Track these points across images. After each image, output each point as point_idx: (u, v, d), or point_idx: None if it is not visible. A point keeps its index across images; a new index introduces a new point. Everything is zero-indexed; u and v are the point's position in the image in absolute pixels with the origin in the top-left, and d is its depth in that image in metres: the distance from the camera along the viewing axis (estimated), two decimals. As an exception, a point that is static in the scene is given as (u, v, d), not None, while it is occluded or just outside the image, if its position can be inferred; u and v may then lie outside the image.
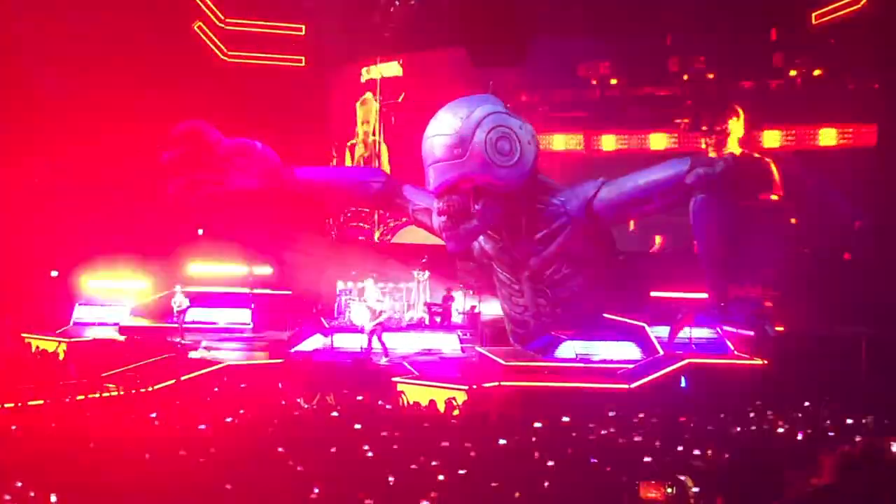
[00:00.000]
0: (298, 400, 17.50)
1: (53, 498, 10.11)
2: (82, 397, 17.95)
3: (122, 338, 25.71)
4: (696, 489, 9.76)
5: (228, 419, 15.15)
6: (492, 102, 22.89)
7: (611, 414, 16.53)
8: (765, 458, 12.23)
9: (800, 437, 14.06)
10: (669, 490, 9.59)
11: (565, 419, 15.88)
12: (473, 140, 21.86)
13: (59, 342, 24.66)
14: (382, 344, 23.29)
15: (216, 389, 19.54)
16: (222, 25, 29.63)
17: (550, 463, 11.66)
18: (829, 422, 15.57)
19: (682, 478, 9.90)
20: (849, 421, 15.21)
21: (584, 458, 12.55)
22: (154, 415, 15.77)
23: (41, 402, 17.34)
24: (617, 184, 22.85)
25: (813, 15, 24.82)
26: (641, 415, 16.42)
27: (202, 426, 14.30)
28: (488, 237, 23.95)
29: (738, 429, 15.43)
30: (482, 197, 22.09)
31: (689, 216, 22.28)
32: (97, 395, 18.10)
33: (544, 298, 23.94)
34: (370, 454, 12.75)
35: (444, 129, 22.36)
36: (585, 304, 23.44)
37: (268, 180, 24.38)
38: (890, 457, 7.39)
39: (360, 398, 18.13)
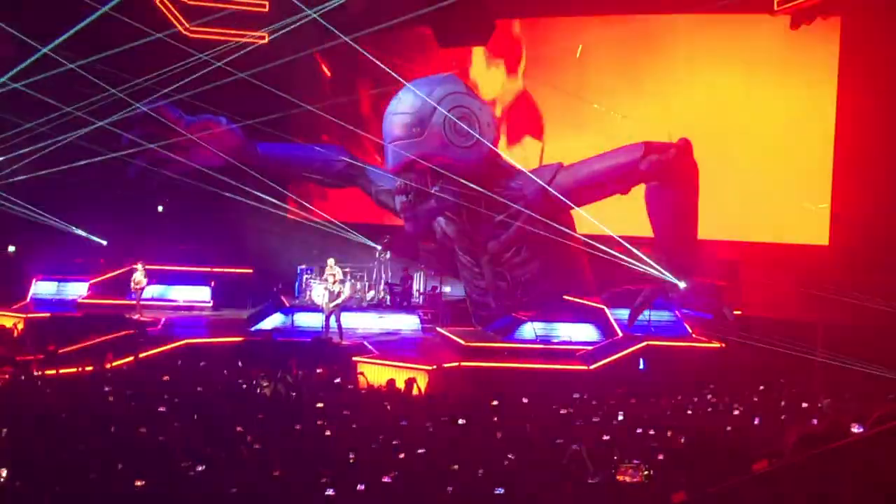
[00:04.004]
0: (259, 379, 17.44)
1: (3, 472, 10.03)
2: (39, 373, 17.79)
3: (79, 314, 25.46)
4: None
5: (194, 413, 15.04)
6: (452, 82, 22.92)
7: (575, 396, 16.68)
8: (724, 440, 12.40)
9: (756, 419, 14.24)
10: (646, 473, 9.66)
11: (524, 400, 16.02)
12: (432, 119, 21.90)
13: (16, 317, 24.39)
14: (339, 326, 23.24)
15: (179, 362, 19.55)
16: (186, 0, 29.28)
17: (510, 457, 11.67)
18: (783, 403, 15.80)
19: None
20: (804, 405, 15.43)
21: (543, 439, 12.65)
22: (107, 388, 15.70)
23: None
24: (573, 169, 22.97)
25: (774, 2, 24.90)
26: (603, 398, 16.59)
27: (162, 408, 14.19)
28: (448, 220, 23.98)
29: (690, 412, 15.62)
30: (440, 178, 22.12)
31: (645, 202, 22.48)
32: (54, 372, 17.93)
33: (504, 281, 24.05)
34: (328, 433, 12.77)
35: (403, 107, 22.38)
36: (545, 287, 23.56)
37: (230, 156, 24.28)
38: (851, 438, 7.50)
39: (319, 370, 18.20)
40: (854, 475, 6.29)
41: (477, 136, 22.13)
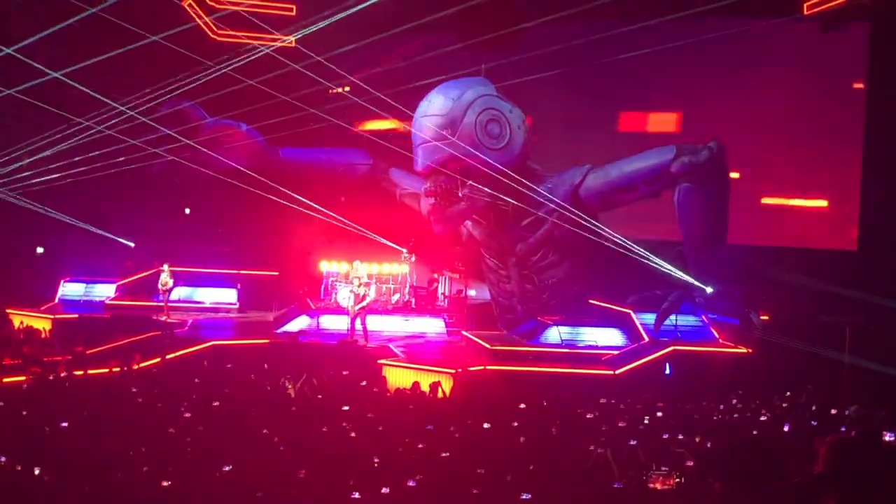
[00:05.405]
0: (284, 381, 17.47)
1: (37, 470, 10.09)
2: (66, 374, 17.88)
3: (106, 315, 25.60)
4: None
5: (215, 403, 15.08)
6: (483, 85, 22.91)
7: (602, 401, 16.60)
8: (757, 446, 12.27)
9: (786, 426, 14.12)
10: (677, 479, 9.57)
11: (545, 404, 15.95)
12: (463, 121, 21.91)
13: (45, 318, 24.55)
14: (364, 328, 23.27)
15: (206, 363, 19.61)
16: (213, 4, 29.40)
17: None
18: (814, 407, 15.65)
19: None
20: (833, 411, 15.29)
21: (569, 441, 12.59)
22: (135, 389, 15.75)
23: (24, 377, 17.26)
24: (603, 171, 22.89)
25: (805, 5, 24.74)
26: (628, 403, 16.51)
27: (187, 414, 14.21)
28: (476, 222, 23.95)
29: (716, 417, 15.50)
30: (470, 180, 22.13)
31: (674, 203, 22.37)
32: (82, 373, 18.02)
33: (531, 284, 24.00)
34: (353, 435, 12.75)
35: (434, 109, 22.39)
36: (572, 291, 23.49)
37: (252, 160, 24.39)
38: (883, 445, 7.42)
39: (345, 372, 18.21)
40: (888, 485, 6.21)
41: (507, 138, 22.13)
